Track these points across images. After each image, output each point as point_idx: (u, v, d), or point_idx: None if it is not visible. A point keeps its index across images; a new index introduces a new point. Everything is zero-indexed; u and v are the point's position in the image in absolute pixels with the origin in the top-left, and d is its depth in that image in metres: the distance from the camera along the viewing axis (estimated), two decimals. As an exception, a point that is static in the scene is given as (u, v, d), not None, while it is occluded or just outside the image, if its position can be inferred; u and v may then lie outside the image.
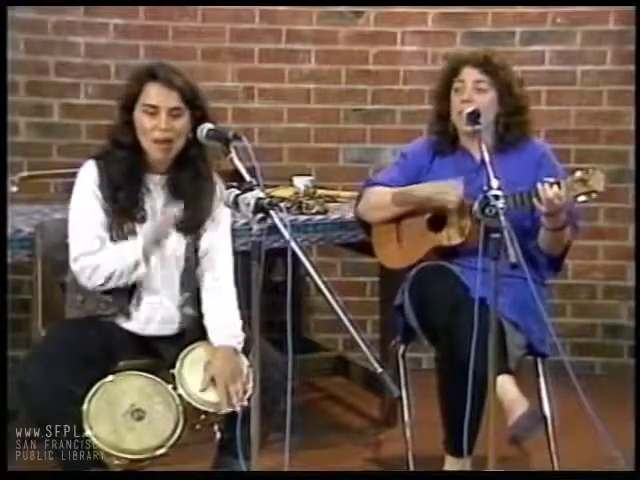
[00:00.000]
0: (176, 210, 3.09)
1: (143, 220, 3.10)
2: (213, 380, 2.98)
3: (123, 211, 3.09)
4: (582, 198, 3.13)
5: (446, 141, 3.51)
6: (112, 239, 3.08)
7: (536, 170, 3.35)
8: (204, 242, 3.17)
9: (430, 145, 3.55)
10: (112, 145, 3.12)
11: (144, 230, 3.08)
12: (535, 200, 3.17)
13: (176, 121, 3.05)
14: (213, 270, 3.18)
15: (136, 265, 3.06)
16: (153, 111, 3.05)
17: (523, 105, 3.46)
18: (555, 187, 3.13)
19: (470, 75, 3.42)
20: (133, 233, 3.09)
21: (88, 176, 3.12)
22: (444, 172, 3.45)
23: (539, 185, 3.16)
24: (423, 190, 3.43)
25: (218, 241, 3.19)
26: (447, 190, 3.36)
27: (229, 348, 3.06)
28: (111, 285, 3.08)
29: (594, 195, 3.12)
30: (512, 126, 3.42)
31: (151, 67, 3.12)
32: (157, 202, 3.14)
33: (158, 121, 3.04)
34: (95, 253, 3.07)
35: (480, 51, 3.52)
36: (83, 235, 3.09)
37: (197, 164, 3.13)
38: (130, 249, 3.06)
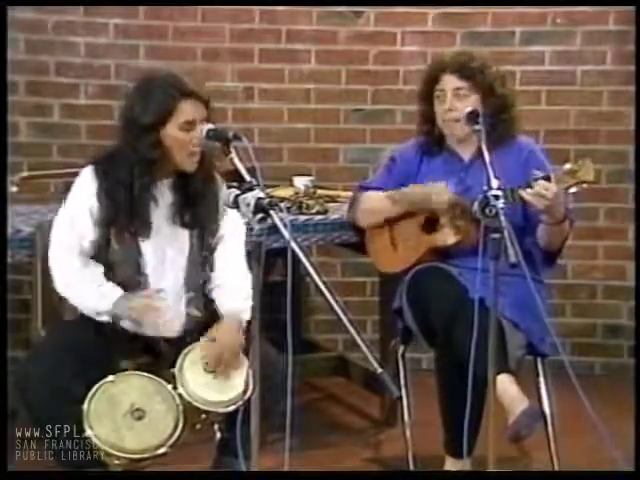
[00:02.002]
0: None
1: (147, 235, 3.09)
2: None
3: (126, 223, 3.07)
4: (573, 189, 3.14)
5: (433, 142, 3.51)
6: (105, 253, 3.08)
7: (524, 167, 3.34)
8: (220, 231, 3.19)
9: (418, 147, 3.56)
10: (141, 164, 3.05)
11: (121, 305, 3.04)
12: (527, 195, 3.16)
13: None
14: (225, 253, 3.19)
15: (98, 314, 3.06)
16: (189, 127, 3.04)
17: (508, 103, 3.45)
18: (544, 181, 3.14)
19: (449, 83, 3.41)
20: (134, 242, 3.09)
21: (86, 186, 3.11)
22: (433, 173, 3.46)
23: (531, 181, 3.16)
24: (413, 193, 3.44)
25: (230, 229, 3.20)
26: (437, 192, 3.37)
27: (233, 322, 3.06)
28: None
29: (585, 186, 3.13)
30: (497, 124, 3.40)
31: (181, 84, 3.06)
32: (162, 207, 3.13)
33: (193, 134, 3.03)
34: (72, 264, 3.08)
35: (458, 56, 3.48)
36: (66, 241, 3.10)
37: (203, 162, 3.12)
38: (102, 298, 3.05)
